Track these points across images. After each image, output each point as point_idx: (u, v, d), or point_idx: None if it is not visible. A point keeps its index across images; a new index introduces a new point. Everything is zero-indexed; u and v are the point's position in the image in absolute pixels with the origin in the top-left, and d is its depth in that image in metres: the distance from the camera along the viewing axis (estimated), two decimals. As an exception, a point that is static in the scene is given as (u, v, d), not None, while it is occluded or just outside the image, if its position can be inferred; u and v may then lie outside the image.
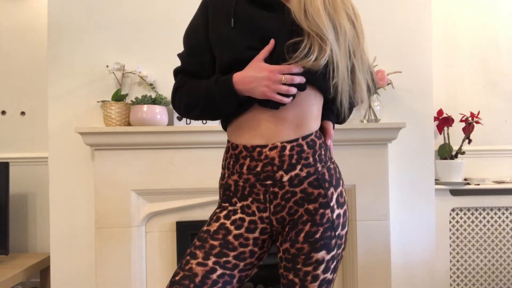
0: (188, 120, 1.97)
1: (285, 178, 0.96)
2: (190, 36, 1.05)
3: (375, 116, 2.02)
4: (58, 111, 1.99)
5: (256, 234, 0.99)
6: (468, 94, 2.50)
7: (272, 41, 0.93)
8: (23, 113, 2.37)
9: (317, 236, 0.96)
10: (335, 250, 0.98)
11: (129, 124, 1.94)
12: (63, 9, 2.00)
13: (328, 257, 0.97)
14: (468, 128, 2.30)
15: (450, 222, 2.29)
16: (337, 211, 0.99)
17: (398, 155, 2.09)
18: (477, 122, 2.31)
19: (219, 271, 0.94)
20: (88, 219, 1.97)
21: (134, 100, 1.93)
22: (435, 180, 2.23)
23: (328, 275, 0.98)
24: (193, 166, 1.91)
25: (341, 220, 1.00)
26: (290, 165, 0.96)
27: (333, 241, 0.98)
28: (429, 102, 2.12)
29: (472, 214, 2.30)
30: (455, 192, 2.27)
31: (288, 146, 0.96)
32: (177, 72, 1.07)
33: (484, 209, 2.30)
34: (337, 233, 0.98)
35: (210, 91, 0.96)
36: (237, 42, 0.96)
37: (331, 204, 0.98)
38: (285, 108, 0.96)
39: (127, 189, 1.89)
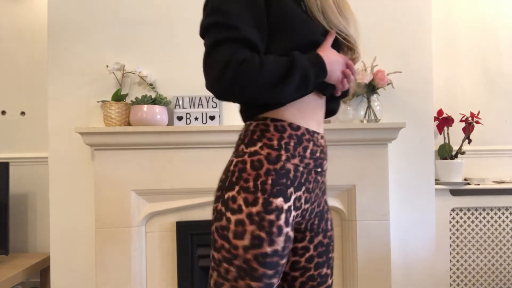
0: (188, 120, 1.97)
1: (326, 167, 1.00)
2: (248, 3, 0.85)
3: (375, 116, 2.02)
4: (58, 111, 1.99)
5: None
6: (468, 94, 2.50)
7: (333, 32, 0.93)
8: (23, 113, 2.37)
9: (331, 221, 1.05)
10: None
11: (129, 124, 1.94)
12: (63, 9, 2.00)
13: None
14: (468, 128, 2.30)
15: (450, 222, 2.29)
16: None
17: (398, 155, 2.09)
18: (477, 122, 2.31)
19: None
20: (88, 219, 1.97)
21: (134, 100, 1.93)
22: (435, 180, 2.23)
23: None
24: (193, 166, 1.91)
25: None
26: (327, 156, 1.01)
27: None
28: (429, 102, 2.12)
29: (472, 214, 2.30)
30: (455, 192, 2.27)
31: (324, 138, 1.00)
32: (230, 41, 0.82)
33: (484, 209, 2.30)
34: None
35: (304, 68, 0.84)
36: (315, 26, 0.92)
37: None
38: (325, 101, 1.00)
39: (127, 189, 1.89)
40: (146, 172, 1.90)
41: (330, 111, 1.07)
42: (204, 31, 0.86)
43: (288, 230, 0.86)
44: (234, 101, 0.89)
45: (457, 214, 2.30)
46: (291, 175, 0.89)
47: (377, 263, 1.97)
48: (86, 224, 1.98)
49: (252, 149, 0.90)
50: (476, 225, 2.30)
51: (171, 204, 1.94)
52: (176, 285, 1.95)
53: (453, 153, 2.30)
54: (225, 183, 0.89)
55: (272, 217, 0.84)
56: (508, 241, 2.30)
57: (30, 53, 2.36)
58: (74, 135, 1.92)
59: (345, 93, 1.03)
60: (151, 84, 2.00)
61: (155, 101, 1.92)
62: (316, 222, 0.99)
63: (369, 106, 2.03)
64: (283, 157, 0.88)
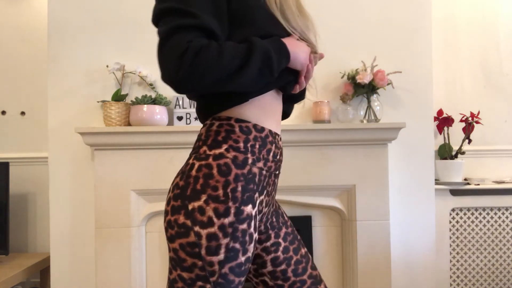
0: (188, 120, 1.97)
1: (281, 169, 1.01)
2: None
3: (375, 116, 2.02)
4: (58, 111, 1.99)
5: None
6: (468, 94, 2.50)
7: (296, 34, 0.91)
8: (23, 113, 2.37)
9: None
10: None
11: (129, 124, 1.94)
12: (63, 9, 2.00)
13: None
14: (468, 128, 2.30)
15: (450, 222, 2.29)
16: None
17: (398, 155, 2.09)
18: (477, 122, 2.31)
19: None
20: (88, 219, 1.97)
21: (134, 100, 1.93)
22: (435, 180, 2.23)
23: None
24: (193, 166, 1.91)
25: None
26: None
27: None
28: (429, 102, 2.12)
29: (472, 214, 2.30)
30: (455, 192, 2.27)
31: None
32: (186, 28, 0.76)
33: (484, 209, 2.30)
34: None
35: (265, 49, 0.79)
36: (277, 22, 0.88)
37: None
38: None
39: (127, 189, 1.89)
40: (146, 172, 1.90)
41: (284, 114, 1.03)
42: (158, 18, 0.79)
43: (256, 235, 0.84)
44: (193, 93, 0.84)
45: (457, 214, 2.30)
46: (256, 179, 0.85)
47: (377, 263, 1.97)
48: (86, 224, 1.98)
49: (217, 151, 0.83)
50: (476, 225, 2.30)
51: (171, 204, 1.94)
52: (176, 285, 1.95)
53: (453, 153, 2.30)
54: (186, 191, 0.81)
55: (244, 226, 0.81)
56: (508, 241, 2.30)
57: (30, 53, 2.36)
58: (74, 135, 1.92)
59: (300, 95, 1.01)
60: (151, 84, 2.00)
61: (155, 101, 1.92)
62: (274, 219, 1.00)
63: (369, 106, 2.03)
64: (250, 161, 0.84)
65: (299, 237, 1.05)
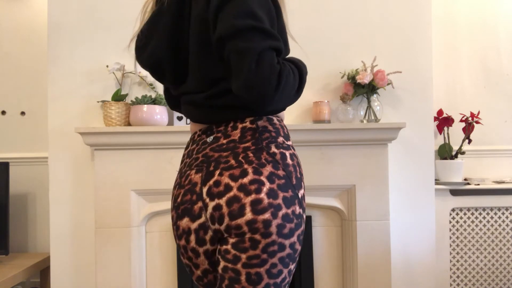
0: (188, 120, 1.97)
1: None
2: (270, 12, 0.85)
3: (375, 116, 2.02)
4: (58, 111, 1.99)
5: None
6: (468, 94, 2.50)
7: None
8: (23, 113, 2.37)
9: None
10: None
11: (129, 124, 1.95)
12: (63, 9, 2.00)
13: None
14: (468, 128, 2.30)
15: (450, 222, 2.29)
16: None
17: (398, 155, 2.09)
18: (477, 122, 2.31)
19: None
20: (88, 219, 1.97)
21: (134, 100, 1.93)
22: (435, 180, 2.23)
23: None
24: (193, 166, 1.91)
25: None
26: None
27: None
28: (429, 102, 2.12)
29: (472, 214, 2.30)
30: (455, 192, 2.27)
31: None
32: (278, 50, 0.81)
33: (484, 209, 2.30)
34: None
35: (304, 70, 0.88)
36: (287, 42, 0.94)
37: None
38: None
39: (127, 189, 1.89)
40: (146, 172, 1.90)
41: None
42: (237, 34, 0.79)
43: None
44: (277, 107, 0.89)
45: (457, 214, 2.30)
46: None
47: (377, 263, 1.97)
48: (86, 224, 1.98)
49: (289, 143, 0.91)
50: (476, 225, 2.30)
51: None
52: (176, 285, 1.95)
53: (453, 153, 2.30)
54: (291, 180, 0.85)
55: (301, 210, 0.88)
56: (508, 241, 2.30)
57: (30, 53, 2.36)
58: (74, 135, 1.92)
59: None
60: (151, 84, 2.00)
61: (155, 101, 1.93)
62: None
63: (369, 106, 2.03)
64: (294, 149, 0.92)
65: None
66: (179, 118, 1.97)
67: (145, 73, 1.98)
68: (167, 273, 1.97)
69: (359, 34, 2.09)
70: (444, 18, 2.49)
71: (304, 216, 0.86)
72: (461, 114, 2.33)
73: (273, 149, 0.86)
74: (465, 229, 2.30)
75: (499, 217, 2.31)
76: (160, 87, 2.01)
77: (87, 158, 2.00)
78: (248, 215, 0.79)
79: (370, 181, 1.96)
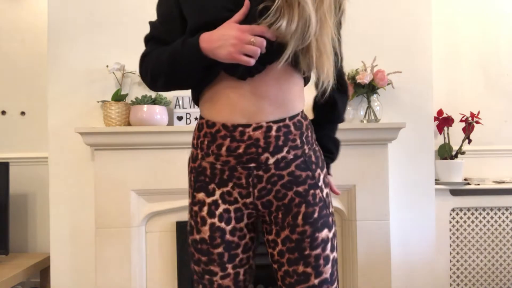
0: (188, 120, 1.97)
1: (271, 160, 0.89)
2: (162, 2, 0.99)
3: (375, 116, 2.02)
4: (58, 111, 1.99)
5: (245, 220, 0.95)
6: (468, 94, 2.50)
7: (247, 3, 0.84)
8: (23, 113, 2.37)
9: (316, 215, 0.92)
10: (334, 227, 0.96)
11: (129, 124, 1.95)
12: (63, 9, 2.00)
13: (330, 234, 0.93)
14: (468, 128, 2.30)
15: (450, 222, 2.29)
16: (325, 190, 0.96)
17: (398, 155, 2.09)
18: (477, 122, 2.31)
19: (241, 270, 0.96)
20: (88, 219, 1.97)
21: (134, 100, 1.93)
22: (435, 180, 2.23)
23: (335, 254, 0.95)
24: (193, 166, 1.91)
25: (330, 198, 0.98)
26: (276, 147, 0.89)
27: (330, 219, 0.95)
28: (429, 102, 2.12)
29: (472, 214, 2.30)
30: (455, 192, 2.27)
31: (275, 127, 0.89)
32: (147, 40, 1.03)
33: (484, 209, 2.30)
34: (330, 211, 0.96)
35: (175, 53, 0.89)
36: (209, 3, 0.88)
37: (319, 184, 0.94)
38: (265, 83, 0.89)
39: (127, 189, 1.89)
40: (146, 172, 1.90)
41: (330, 114, 1.09)
42: None
43: (213, 221, 0.92)
44: (152, 90, 1.02)
45: (457, 214, 2.30)
46: (208, 172, 0.94)
47: (377, 263, 1.97)
48: (86, 224, 1.98)
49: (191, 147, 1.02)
50: (476, 225, 2.30)
51: (171, 204, 1.94)
52: (176, 285, 1.95)
53: (453, 153, 2.30)
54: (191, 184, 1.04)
55: (196, 208, 0.95)
56: (508, 241, 2.30)
57: (30, 53, 2.36)
58: (74, 135, 1.92)
59: (270, 58, 0.86)
60: (151, 84, 2.00)
61: (155, 101, 1.93)
62: (280, 216, 0.92)
63: (369, 106, 2.03)
64: (199, 156, 0.95)
65: (308, 251, 0.91)
66: (179, 118, 1.97)
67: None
68: (167, 273, 1.97)
69: (359, 34, 2.09)
70: (444, 18, 2.49)
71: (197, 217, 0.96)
72: (461, 114, 2.33)
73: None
74: (465, 229, 2.30)
75: (499, 217, 2.31)
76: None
77: (87, 158, 2.00)
78: None
79: (370, 181, 1.96)
